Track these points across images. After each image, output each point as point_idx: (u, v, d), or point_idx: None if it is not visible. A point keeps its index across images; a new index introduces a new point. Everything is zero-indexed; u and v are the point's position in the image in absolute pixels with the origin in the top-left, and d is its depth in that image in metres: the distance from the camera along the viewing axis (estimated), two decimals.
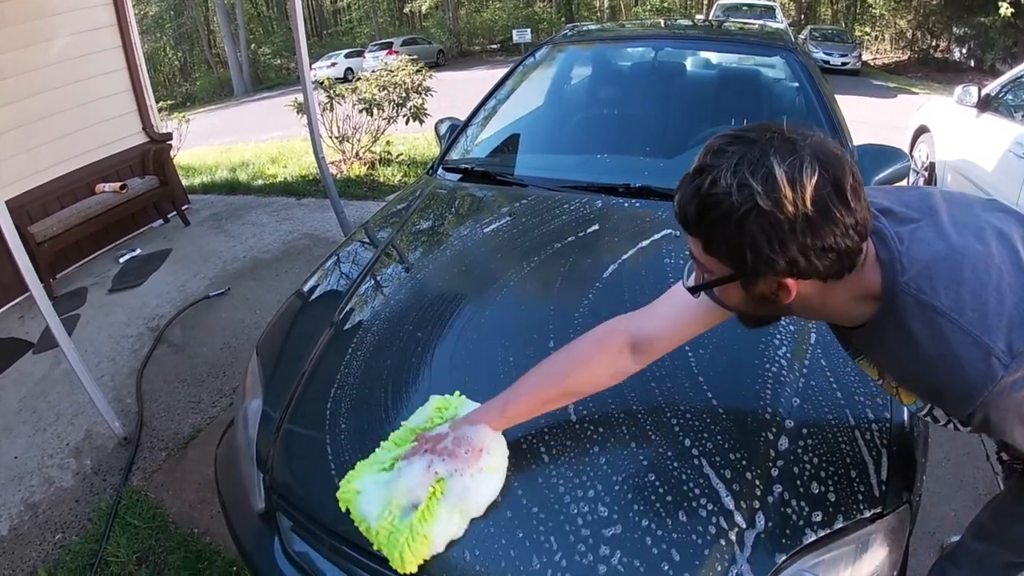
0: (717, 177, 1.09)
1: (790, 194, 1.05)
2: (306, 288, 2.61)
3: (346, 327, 2.23)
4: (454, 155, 3.50)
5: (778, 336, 1.95)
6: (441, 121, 3.96)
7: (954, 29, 30.76)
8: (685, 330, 1.57)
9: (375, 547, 1.50)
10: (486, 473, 1.54)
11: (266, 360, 2.25)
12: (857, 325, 1.33)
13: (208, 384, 4.02)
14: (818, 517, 1.49)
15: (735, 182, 1.07)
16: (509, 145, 3.56)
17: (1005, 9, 20.04)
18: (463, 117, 3.77)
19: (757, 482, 1.55)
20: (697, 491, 1.54)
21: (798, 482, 1.56)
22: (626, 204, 2.74)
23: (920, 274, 1.19)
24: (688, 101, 3.43)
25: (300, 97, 7.20)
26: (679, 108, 3.38)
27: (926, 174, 6.50)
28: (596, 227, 2.56)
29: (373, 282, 2.49)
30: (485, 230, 2.69)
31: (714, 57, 3.92)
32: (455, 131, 3.71)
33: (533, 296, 2.23)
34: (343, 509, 1.57)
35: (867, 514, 1.52)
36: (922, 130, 6.80)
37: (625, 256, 2.35)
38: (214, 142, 14.50)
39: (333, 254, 2.83)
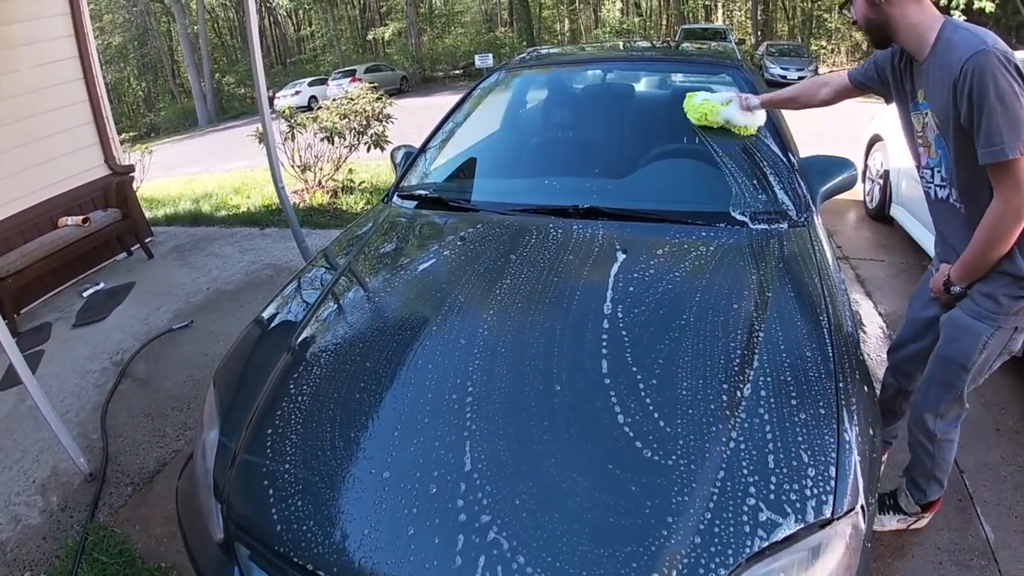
0: None
1: None
2: (263, 316, 2.65)
3: (300, 356, 2.25)
4: (409, 182, 3.56)
5: (729, 335, 2.05)
6: (396, 149, 4.01)
7: None
8: (841, 91, 2.77)
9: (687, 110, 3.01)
10: (745, 116, 3.04)
11: (223, 390, 2.27)
12: (920, 55, 2.18)
13: (172, 417, 4.03)
14: (768, 523, 1.52)
15: None
16: (463, 171, 3.61)
17: (957, 16, 20.49)
18: (425, 138, 3.83)
19: (704, 487, 1.59)
20: (643, 497, 1.58)
21: (747, 486, 1.59)
22: (578, 226, 2.78)
23: (960, 23, 2.11)
24: (639, 121, 3.50)
25: (257, 128, 7.26)
26: (631, 128, 3.46)
27: (881, 181, 6.58)
28: (549, 250, 2.61)
29: (328, 311, 2.53)
30: (439, 257, 2.73)
31: (663, 77, 4.00)
32: (410, 159, 3.76)
33: (486, 321, 2.23)
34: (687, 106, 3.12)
35: (818, 519, 1.54)
36: (876, 139, 6.88)
37: (576, 276, 2.41)
38: (178, 173, 14.44)
39: (290, 282, 2.88)
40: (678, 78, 3.91)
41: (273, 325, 2.60)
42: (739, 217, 2.75)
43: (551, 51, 4.83)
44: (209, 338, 4.94)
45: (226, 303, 5.67)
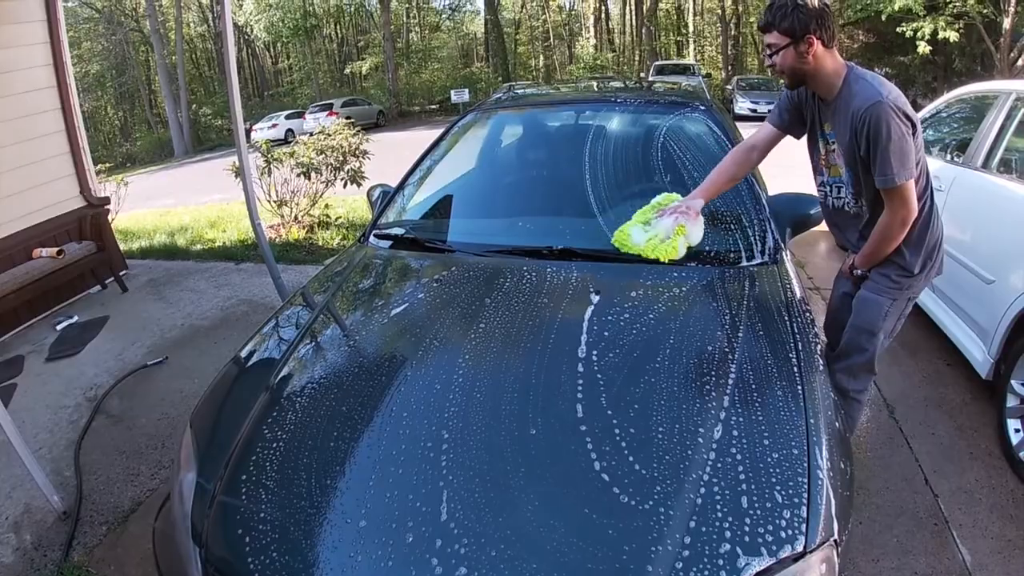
0: (779, 1, 2.51)
1: (810, 1, 2.48)
2: (240, 356, 2.66)
3: (277, 399, 2.25)
4: (385, 223, 3.60)
5: (701, 376, 2.11)
6: (373, 188, 4.07)
7: (876, 70, 31.85)
8: (770, 142, 3.00)
9: (644, 254, 2.70)
10: (700, 223, 2.78)
11: (199, 432, 2.29)
12: (829, 96, 2.67)
13: (147, 455, 4.02)
14: (738, 557, 1.55)
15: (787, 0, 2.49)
16: (439, 211, 3.69)
17: (923, 48, 20.98)
18: (401, 178, 3.88)
19: (680, 530, 1.61)
20: (620, 542, 1.59)
21: (717, 520, 1.63)
22: (552, 268, 2.84)
23: (862, 72, 2.60)
24: (611, 162, 3.53)
25: (217, 168, 7.28)
26: (603, 169, 3.49)
27: None
28: (523, 292, 2.65)
29: (304, 353, 2.55)
30: (415, 300, 2.77)
31: (635, 117, 4.02)
32: (386, 198, 3.81)
33: (461, 366, 2.25)
34: (618, 247, 2.79)
35: (790, 552, 1.57)
36: None
37: (551, 319, 2.45)
38: (154, 204, 14.40)
39: (267, 322, 2.89)
40: (649, 118, 3.92)
41: (250, 366, 2.62)
42: (710, 257, 2.85)
43: (526, 91, 4.89)
44: (184, 375, 4.94)
45: (201, 339, 5.67)
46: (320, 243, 8.49)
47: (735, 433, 1.88)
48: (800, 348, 2.24)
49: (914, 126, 2.56)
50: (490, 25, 45.70)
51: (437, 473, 1.82)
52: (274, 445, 2.04)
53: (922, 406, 4.09)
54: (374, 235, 3.49)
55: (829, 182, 2.96)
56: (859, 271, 3.01)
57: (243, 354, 2.68)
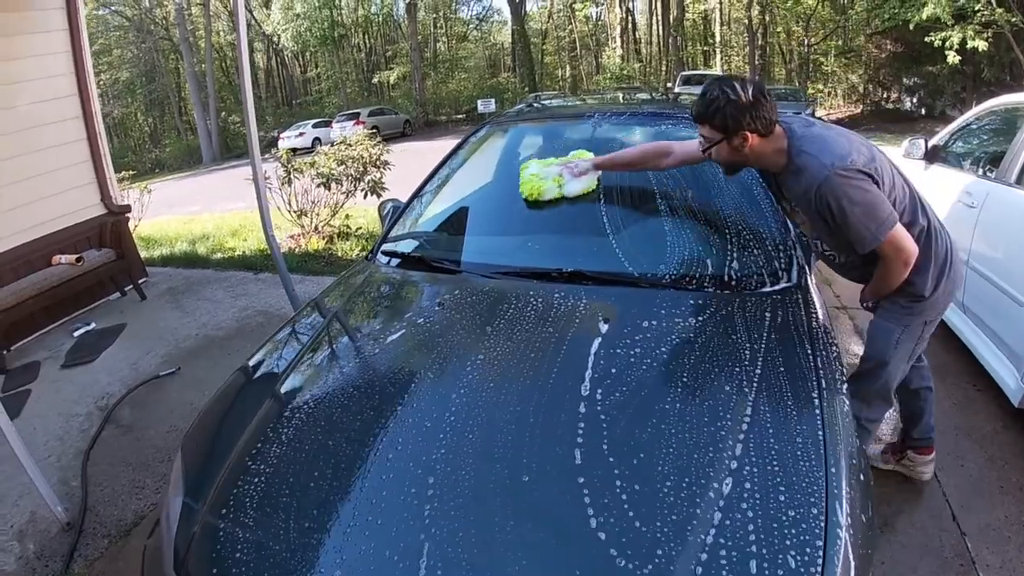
0: (712, 92, 2.44)
1: (741, 93, 2.40)
2: (232, 382, 2.61)
3: (264, 429, 2.17)
4: (393, 240, 3.50)
5: (714, 420, 1.92)
6: (384, 202, 3.99)
7: (904, 80, 31.63)
8: (690, 161, 2.96)
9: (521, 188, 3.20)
10: (581, 182, 3.16)
11: (189, 457, 2.23)
12: (779, 171, 2.60)
13: (153, 468, 4.00)
14: None
15: (719, 94, 2.42)
16: (447, 229, 3.58)
17: (952, 57, 20.64)
18: (411, 193, 3.82)
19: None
20: None
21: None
22: (559, 293, 2.67)
23: (801, 137, 2.50)
24: (629, 178, 3.36)
25: (244, 175, 7.31)
26: (620, 186, 3.32)
27: None
28: (528, 320, 2.48)
29: (297, 383, 2.46)
30: (414, 326, 2.64)
31: (655, 132, 3.77)
32: (395, 214, 3.73)
33: (454, 403, 2.10)
34: (523, 189, 3.22)
35: None
36: None
37: (554, 352, 2.28)
38: (179, 211, 14.54)
39: (263, 344, 2.84)
40: (670, 132, 3.67)
41: (241, 392, 2.56)
42: (729, 282, 2.67)
43: (545, 103, 4.81)
44: (195, 386, 4.92)
45: (215, 350, 5.66)
46: (339, 254, 8.47)
47: (747, 486, 1.71)
48: (823, 387, 2.06)
49: (869, 175, 2.46)
50: (517, 35, 45.70)
51: (419, 524, 1.70)
52: (256, 480, 1.95)
53: (951, 435, 3.86)
54: (382, 252, 3.41)
55: (808, 235, 2.93)
56: (867, 304, 2.97)
57: (235, 379, 2.63)
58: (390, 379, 2.37)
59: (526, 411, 2.02)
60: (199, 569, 1.78)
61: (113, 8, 42.42)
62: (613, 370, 2.16)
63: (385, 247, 3.43)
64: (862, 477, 1.83)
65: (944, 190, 4.99)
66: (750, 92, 2.41)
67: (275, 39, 44.05)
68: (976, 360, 4.29)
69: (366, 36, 50.60)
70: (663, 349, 2.29)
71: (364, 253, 8.12)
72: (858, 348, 4.92)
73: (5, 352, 5.83)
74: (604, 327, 2.40)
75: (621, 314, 2.52)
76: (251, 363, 2.70)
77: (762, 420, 1.92)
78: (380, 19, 47.03)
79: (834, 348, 2.31)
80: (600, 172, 3.21)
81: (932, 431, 3.40)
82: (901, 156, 5.74)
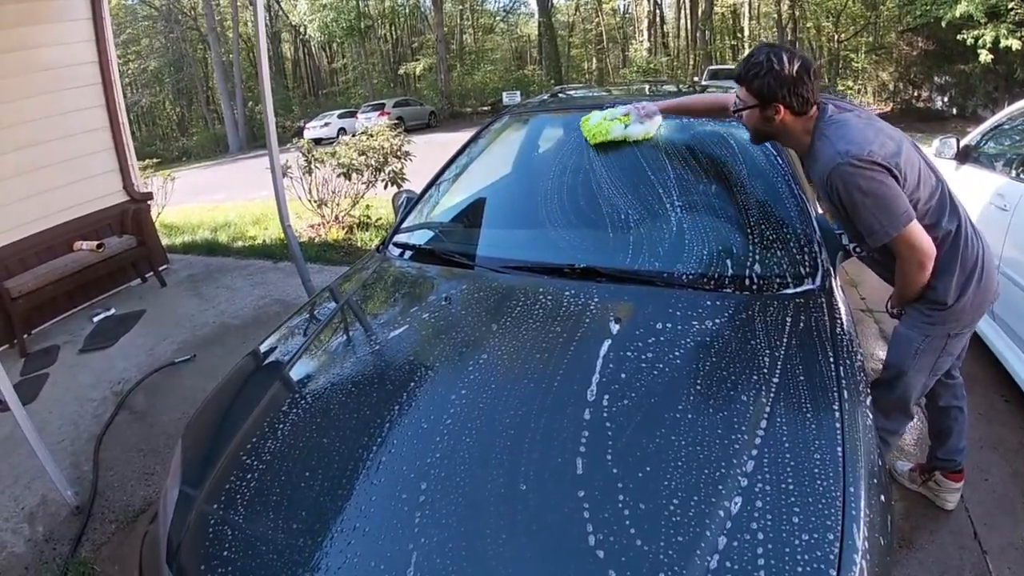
0: (758, 56, 2.40)
1: (786, 65, 2.35)
2: (235, 372, 2.58)
3: (261, 423, 2.14)
4: (405, 232, 3.45)
5: (727, 432, 1.80)
6: (399, 193, 3.91)
7: (935, 78, 31.24)
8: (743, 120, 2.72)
9: (584, 132, 3.29)
10: (648, 125, 3.19)
11: (188, 448, 2.21)
12: (803, 153, 2.59)
13: (163, 455, 4.00)
14: None
15: (764, 59, 2.37)
16: (458, 222, 3.51)
17: (985, 56, 20.33)
18: (424, 185, 3.79)
19: None
20: None
21: None
22: (570, 290, 2.57)
23: (827, 121, 2.45)
24: (645, 174, 3.18)
25: (284, 160, 7.32)
26: (637, 181, 3.15)
27: None
28: (535, 319, 2.40)
29: (297, 375, 2.43)
30: (419, 321, 2.56)
31: (681, 123, 3.50)
32: (408, 205, 3.67)
33: (454, 403, 2.02)
34: (581, 127, 3.32)
35: None
36: None
37: (561, 352, 2.18)
38: (204, 199, 14.65)
39: (269, 335, 2.80)
40: (699, 125, 3.47)
41: (242, 384, 2.52)
42: (750, 283, 2.54)
43: (559, 95, 4.70)
44: (209, 374, 4.90)
45: (230, 338, 5.67)
46: (359, 244, 8.48)
47: (759, 505, 1.60)
48: (844, 400, 1.91)
49: (888, 168, 2.34)
50: (543, 28, 45.54)
51: (408, 533, 1.62)
52: (249, 476, 1.92)
53: (976, 447, 3.61)
54: (393, 244, 3.35)
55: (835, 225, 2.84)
56: (895, 310, 2.86)
57: (237, 370, 2.60)
58: (390, 377, 2.29)
59: (528, 415, 1.92)
60: (189, 562, 1.76)
61: None
62: (622, 375, 2.05)
63: (396, 239, 3.39)
64: (882, 498, 1.72)
65: (975, 191, 4.80)
66: (796, 67, 2.36)
67: (302, 29, 44.15)
68: (1005, 370, 4.10)
69: (392, 27, 50.63)
70: (676, 354, 2.16)
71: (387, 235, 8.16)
72: (883, 354, 4.81)
73: (26, 336, 5.87)
74: (615, 328, 2.30)
75: (634, 314, 2.41)
76: (254, 354, 2.67)
77: (777, 434, 1.80)
78: (407, 10, 47.18)
79: (858, 357, 2.19)
80: (661, 119, 3.25)
81: (959, 455, 3.19)
82: (932, 155, 5.46)
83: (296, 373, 2.43)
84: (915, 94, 34.06)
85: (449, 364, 2.27)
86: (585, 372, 2.07)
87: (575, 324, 2.34)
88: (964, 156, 5.37)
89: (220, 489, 1.91)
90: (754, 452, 1.73)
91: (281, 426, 2.09)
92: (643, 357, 2.12)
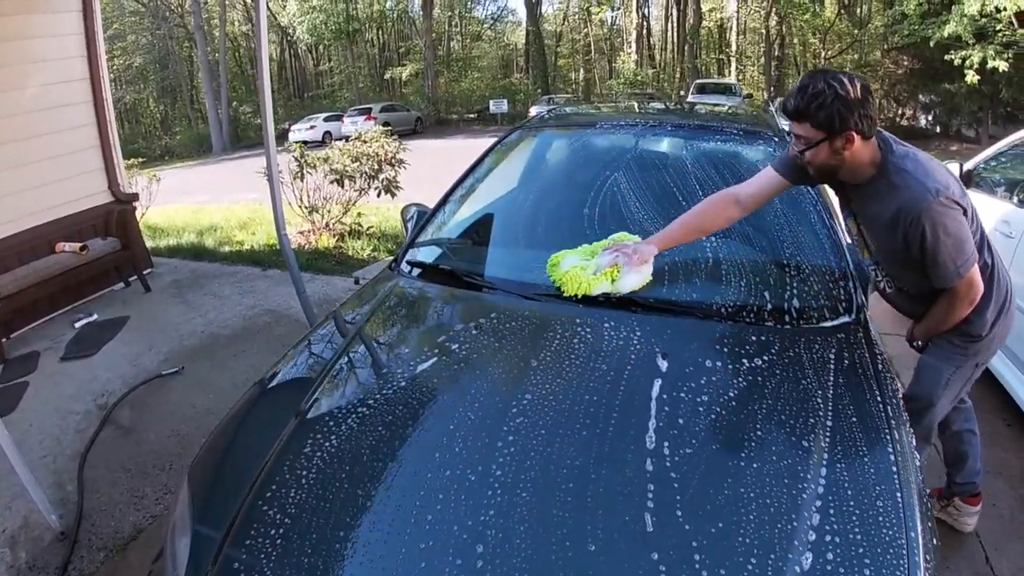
0: (816, 85, 2.16)
1: (850, 88, 2.14)
2: (244, 403, 2.33)
3: (290, 456, 1.92)
4: (420, 250, 3.25)
5: (793, 480, 1.71)
6: (408, 207, 3.70)
7: (920, 97, 31.61)
8: (766, 194, 2.62)
9: (556, 281, 2.59)
10: (642, 272, 2.55)
11: (198, 488, 1.99)
12: (861, 183, 2.40)
13: (153, 477, 3.80)
14: None
15: (824, 86, 2.15)
16: (479, 240, 3.32)
17: (972, 77, 20.53)
18: (440, 189, 3.59)
19: None
20: None
21: None
22: (609, 322, 2.42)
23: (900, 155, 2.32)
24: (674, 195, 3.10)
25: (253, 166, 7.15)
26: (666, 203, 3.06)
27: None
28: (577, 354, 2.25)
29: (315, 410, 2.15)
30: (449, 354, 2.33)
31: (702, 147, 3.51)
32: (421, 220, 3.46)
33: (501, 453, 1.81)
34: (548, 270, 2.64)
35: None
36: None
37: (612, 393, 2.03)
38: (188, 200, 14.50)
39: (279, 361, 2.54)
40: (719, 149, 3.48)
41: (256, 418, 2.29)
42: (790, 316, 2.46)
43: (577, 109, 4.60)
44: (199, 388, 4.73)
45: (220, 350, 5.46)
46: (350, 253, 8.33)
47: (830, 558, 1.52)
48: (896, 439, 1.87)
49: (963, 208, 2.30)
50: (531, 36, 45.83)
51: None
52: (274, 532, 1.70)
53: (982, 472, 3.51)
54: (406, 262, 3.15)
55: (869, 262, 2.74)
56: (917, 343, 2.80)
57: (247, 401, 2.35)
58: (425, 419, 2.06)
59: (586, 466, 1.75)
60: None
61: None
62: (679, 419, 1.91)
63: (410, 257, 3.20)
64: (936, 541, 1.67)
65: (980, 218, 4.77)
66: (858, 88, 2.17)
67: (290, 31, 44.04)
68: (1007, 394, 4.13)
69: (380, 31, 50.70)
70: (729, 394, 2.06)
71: (376, 254, 8.03)
72: None
73: (4, 340, 5.65)
74: (663, 365, 2.16)
75: (679, 350, 2.28)
76: (266, 383, 2.41)
77: (839, 480, 1.72)
78: (395, 15, 47.30)
79: (898, 391, 2.16)
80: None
81: (977, 476, 3.21)
82: None
83: (316, 410, 2.15)
84: (900, 112, 34.51)
85: (490, 405, 2.04)
86: (640, 416, 1.92)
87: (621, 360, 2.19)
88: (967, 181, 5.27)
89: (242, 540, 1.69)
90: (819, 503, 1.65)
91: (305, 473, 1.85)
92: (697, 400, 2.00)
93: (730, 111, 4.71)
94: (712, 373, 2.14)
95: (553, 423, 1.92)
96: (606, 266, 2.54)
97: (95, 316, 6.33)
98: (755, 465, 1.76)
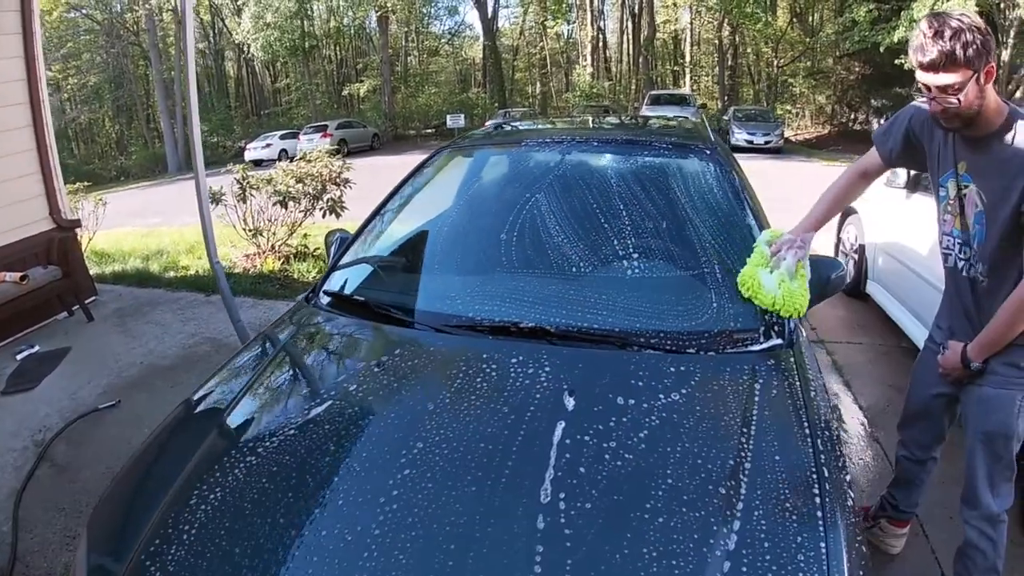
0: (951, 25, 2.02)
1: (972, 17, 2.04)
2: (141, 452, 2.26)
3: (165, 521, 1.79)
4: (334, 279, 3.13)
5: (704, 522, 1.60)
6: (331, 232, 3.57)
7: (872, 101, 32.16)
8: (877, 173, 2.80)
9: (776, 308, 2.37)
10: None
11: (96, 541, 1.91)
12: (985, 135, 2.23)
13: (86, 516, 3.69)
14: None
15: (957, 23, 2.02)
16: (396, 269, 3.24)
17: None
18: (359, 226, 3.48)
19: None
20: None
21: None
22: (517, 358, 2.27)
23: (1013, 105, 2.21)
24: (600, 214, 2.99)
25: (216, 186, 7.15)
26: (593, 222, 2.96)
27: (856, 256, 6.40)
28: (478, 395, 2.11)
29: (204, 463, 2.01)
30: (346, 396, 2.24)
31: (631, 161, 3.44)
32: (341, 247, 3.33)
33: (382, 510, 1.68)
34: (746, 294, 2.44)
35: None
36: (849, 212, 6.67)
37: (509, 439, 1.88)
38: (140, 222, 14.36)
39: (174, 411, 2.47)
40: (649, 162, 3.40)
41: (151, 465, 2.21)
42: (712, 340, 2.35)
43: (510, 126, 4.60)
44: (134, 422, 4.67)
45: (158, 381, 5.43)
46: (295, 275, 8.29)
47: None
48: (827, 477, 1.75)
49: None
50: (488, 51, 46.00)
51: None
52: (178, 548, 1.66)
53: (937, 484, 3.32)
54: (323, 292, 3.03)
55: (954, 234, 2.48)
56: (977, 364, 2.41)
57: (145, 448, 2.27)
58: (307, 470, 1.91)
59: (471, 524, 1.62)
60: None
61: (84, 12, 42.09)
62: (580, 468, 1.77)
63: (327, 286, 3.09)
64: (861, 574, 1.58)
65: (929, 221, 4.77)
66: (973, 14, 2.12)
67: (245, 48, 43.74)
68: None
69: (337, 47, 50.58)
70: (639, 435, 1.89)
71: (320, 275, 8.00)
72: (837, 386, 4.90)
73: None
74: (570, 404, 2.02)
75: (588, 386, 2.15)
76: (155, 438, 2.31)
77: (754, 533, 1.58)
78: (352, 31, 47.06)
79: (835, 425, 2.08)
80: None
81: (918, 506, 3.14)
82: (883, 184, 5.66)
83: (205, 459, 2.03)
84: (852, 117, 35.15)
85: (378, 455, 1.90)
86: (537, 465, 1.78)
87: (524, 400, 2.05)
88: (915, 184, 5.42)
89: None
90: (728, 564, 1.51)
91: (187, 528, 1.74)
92: (602, 445, 1.84)
93: (663, 124, 4.74)
94: (623, 412, 1.97)
95: (442, 475, 1.78)
96: (793, 266, 2.44)
97: (37, 348, 6.24)
98: (660, 520, 1.61)
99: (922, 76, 2.16)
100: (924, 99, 2.29)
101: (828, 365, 5.16)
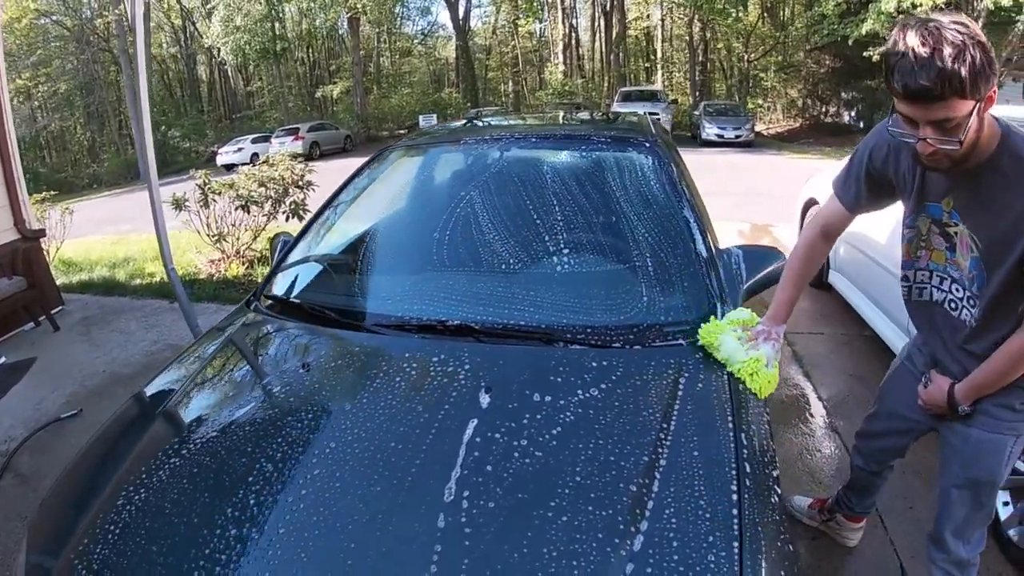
0: (946, 37, 1.58)
1: (972, 24, 1.62)
2: (81, 456, 2.30)
3: (108, 505, 1.88)
4: (274, 282, 3.12)
5: (611, 522, 1.58)
6: (277, 235, 3.59)
7: (842, 94, 32.42)
8: (843, 226, 2.41)
9: (738, 374, 2.15)
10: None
11: (35, 547, 1.96)
12: (975, 165, 1.80)
13: None
14: None
15: (961, 38, 1.57)
16: (333, 271, 3.18)
17: None
18: (300, 229, 3.48)
19: None
20: None
21: None
22: (438, 356, 2.28)
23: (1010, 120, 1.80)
24: (539, 209, 2.99)
25: (179, 192, 7.35)
26: (530, 220, 2.96)
27: None
28: (395, 393, 2.11)
29: (135, 468, 2.03)
30: (270, 398, 2.26)
31: (568, 155, 3.55)
32: (284, 250, 3.32)
33: (289, 504, 1.72)
34: (704, 342, 2.23)
35: None
36: (811, 203, 6.71)
37: (420, 438, 1.88)
38: (110, 229, 14.29)
39: (119, 409, 2.54)
40: (586, 157, 3.45)
41: (87, 469, 2.24)
42: (640, 333, 2.34)
43: (448, 125, 4.62)
44: (95, 430, 4.73)
45: (120, 389, 5.48)
46: (260, 279, 8.22)
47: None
48: (746, 472, 1.73)
49: None
50: (460, 51, 46.01)
51: None
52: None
53: (899, 474, 3.31)
54: (263, 295, 3.03)
55: (932, 268, 2.17)
56: (965, 407, 2.17)
57: (84, 452, 2.31)
58: (226, 470, 1.93)
59: (372, 524, 1.62)
60: None
61: (54, 18, 41.71)
62: (487, 466, 1.76)
63: (266, 290, 3.09)
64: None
65: (889, 211, 4.79)
66: (976, 23, 1.72)
67: (216, 52, 43.49)
68: None
69: (310, 50, 50.37)
70: (552, 432, 1.87)
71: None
72: (798, 377, 4.95)
73: None
74: (485, 401, 2.01)
75: (506, 383, 2.12)
76: (95, 442, 2.37)
77: (663, 533, 1.56)
78: (324, 33, 46.91)
79: (764, 419, 2.06)
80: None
81: (873, 507, 3.10)
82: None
83: (129, 468, 2.06)
84: (823, 109, 35.43)
85: (293, 456, 1.92)
86: (445, 464, 1.77)
87: (439, 400, 2.04)
88: None
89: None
90: (631, 566, 1.48)
91: (112, 528, 1.79)
92: (513, 443, 1.83)
93: (603, 119, 4.84)
94: (538, 409, 1.95)
95: (351, 474, 1.79)
96: (774, 355, 2.27)
97: (3, 359, 6.27)
98: (564, 518, 1.59)
99: (907, 108, 1.74)
100: (905, 135, 1.83)
101: (789, 356, 5.23)
